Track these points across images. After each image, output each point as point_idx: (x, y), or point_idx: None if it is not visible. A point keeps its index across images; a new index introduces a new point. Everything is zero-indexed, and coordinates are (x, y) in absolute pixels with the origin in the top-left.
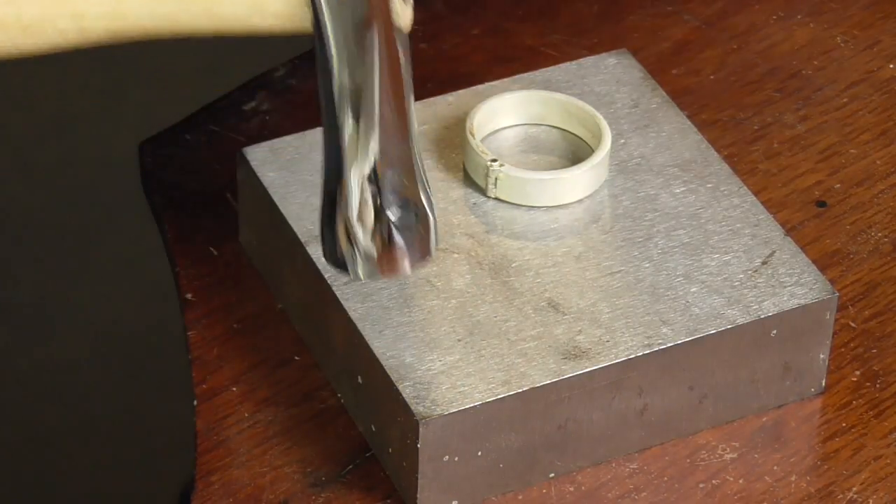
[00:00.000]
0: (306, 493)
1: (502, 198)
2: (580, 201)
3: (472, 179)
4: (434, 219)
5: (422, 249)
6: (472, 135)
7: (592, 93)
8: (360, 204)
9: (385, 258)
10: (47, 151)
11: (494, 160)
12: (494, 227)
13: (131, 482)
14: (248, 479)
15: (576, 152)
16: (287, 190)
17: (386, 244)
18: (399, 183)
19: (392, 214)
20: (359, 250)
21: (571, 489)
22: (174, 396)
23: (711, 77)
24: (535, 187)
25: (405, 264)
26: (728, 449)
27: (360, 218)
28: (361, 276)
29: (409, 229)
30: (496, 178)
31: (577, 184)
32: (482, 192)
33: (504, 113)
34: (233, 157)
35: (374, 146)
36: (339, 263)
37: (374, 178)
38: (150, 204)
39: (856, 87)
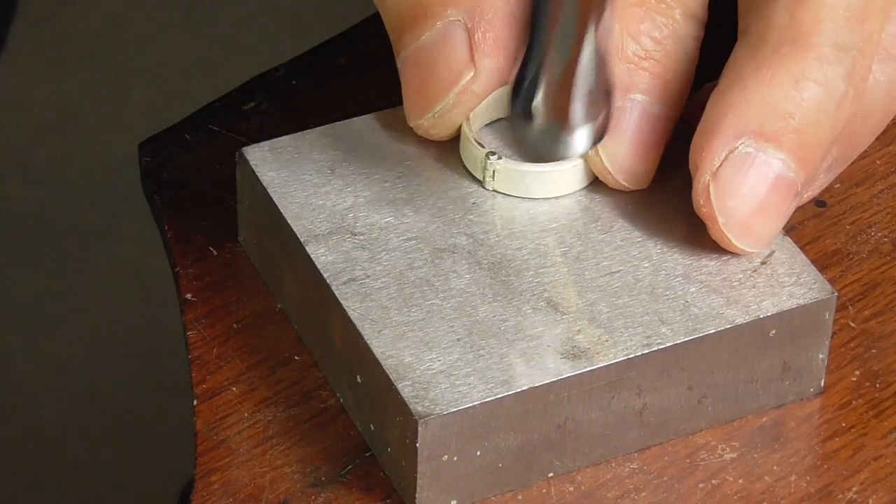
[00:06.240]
0: (306, 493)
1: (501, 190)
2: (579, 200)
3: (469, 175)
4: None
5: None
6: (469, 128)
7: None
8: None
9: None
10: (47, 151)
11: (492, 153)
12: (493, 226)
13: (131, 482)
14: (247, 479)
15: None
16: (286, 190)
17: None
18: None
19: None
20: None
21: (571, 489)
22: (174, 396)
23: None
24: (533, 179)
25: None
26: (728, 449)
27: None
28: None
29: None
30: (494, 171)
31: (576, 175)
32: (481, 188)
33: (499, 105)
34: (233, 157)
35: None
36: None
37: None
38: (150, 204)
39: None
